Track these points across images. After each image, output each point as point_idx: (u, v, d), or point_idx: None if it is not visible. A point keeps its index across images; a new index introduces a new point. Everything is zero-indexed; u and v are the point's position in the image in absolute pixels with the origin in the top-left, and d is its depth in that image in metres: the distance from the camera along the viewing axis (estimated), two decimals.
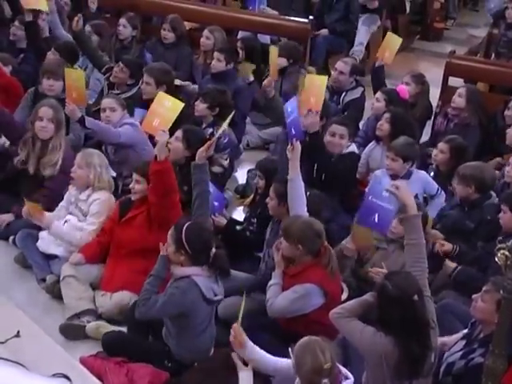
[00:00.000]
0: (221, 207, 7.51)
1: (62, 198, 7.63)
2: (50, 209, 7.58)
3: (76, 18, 9.56)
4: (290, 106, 6.99)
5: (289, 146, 6.65)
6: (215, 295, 5.97)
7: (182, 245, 5.89)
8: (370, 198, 5.87)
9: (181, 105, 6.97)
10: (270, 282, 6.17)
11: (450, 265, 6.84)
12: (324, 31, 11.50)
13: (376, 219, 5.82)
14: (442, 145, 8.06)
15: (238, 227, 7.68)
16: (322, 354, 4.93)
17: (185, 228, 5.92)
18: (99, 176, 7.32)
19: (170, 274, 6.05)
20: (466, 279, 6.79)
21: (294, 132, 6.81)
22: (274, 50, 9.02)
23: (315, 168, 7.94)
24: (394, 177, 7.43)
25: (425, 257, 5.70)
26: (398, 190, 5.62)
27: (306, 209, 6.59)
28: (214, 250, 5.99)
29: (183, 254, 5.92)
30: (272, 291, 6.13)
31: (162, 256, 6.06)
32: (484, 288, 5.60)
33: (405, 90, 9.07)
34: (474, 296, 5.72)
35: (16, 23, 9.96)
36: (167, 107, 6.92)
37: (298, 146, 6.60)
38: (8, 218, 7.79)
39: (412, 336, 5.36)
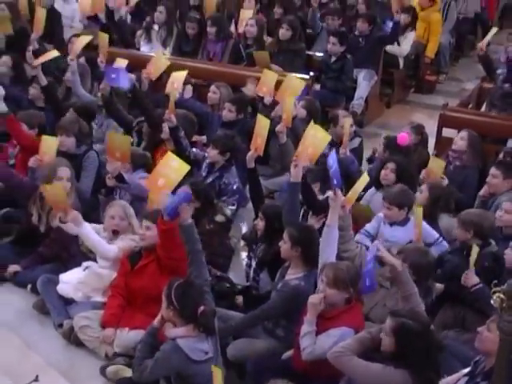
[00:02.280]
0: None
1: (69, 247, 7.67)
2: (60, 256, 7.71)
3: (102, 85, 9.52)
4: (332, 159, 6.96)
5: (332, 195, 6.62)
6: (206, 353, 5.91)
7: (171, 301, 5.90)
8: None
9: (187, 167, 6.66)
10: (304, 331, 6.00)
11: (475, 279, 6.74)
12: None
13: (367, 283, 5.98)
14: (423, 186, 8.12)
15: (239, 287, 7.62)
16: None
17: (175, 285, 5.93)
18: (136, 224, 7.41)
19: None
20: (482, 297, 6.66)
21: (335, 182, 6.77)
22: (290, 100, 8.92)
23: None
24: (391, 223, 7.51)
25: (420, 302, 5.99)
26: (381, 253, 5.89)
27: (335, 256, 6.52)
28: (201, 307, 5.92)
29: (172, 310, 5.93)
30: (308, 340, 5.97)
31: (151, 325, 6.11)
32: (490, 319, 5.52)
33: (405, 137, 9.02)
34: (479, 329, 5.59)
35: (34, 85, 9.93)
36: (173, 168, 6.63)
37: (340, 195, 6.60)
38: (15, 268, 7.76)
39: (428, 364, 5.41)
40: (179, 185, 6.88)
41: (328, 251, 6.51)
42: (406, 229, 7.55)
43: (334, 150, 7.46)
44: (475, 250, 6.69)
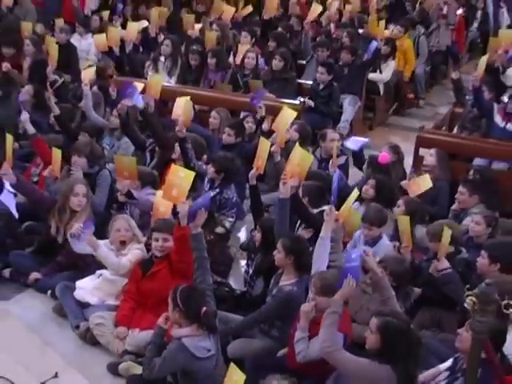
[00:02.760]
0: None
1: (85, 257, 7.62)
2: (76, 265, 7.72)
3: (119, 106, 9.56)
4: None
5: (328, 210, 6.68)
6: (209, 351, 5.91)
7: (177, 303, 5.92)
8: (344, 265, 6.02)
9: (192, 174, 6.85)
10: (298, 336, 6.00)
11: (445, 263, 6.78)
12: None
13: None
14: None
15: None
16: None
17: (180, 290, 5.97)
18: (139, 234, 7.49)
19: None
20: (450, 281, 6.76)
21: (333, 199, 6.87)
22: (284, 125, 8.98)
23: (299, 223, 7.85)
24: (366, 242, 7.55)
25: (396, 305, 6.13)
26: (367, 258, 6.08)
27: (326, 265, 6.53)
28: (204, 309, 5.95)
29: (177, 312, 5.94)
30: (302, 345, 5.97)
31: (158, 325, 6.11)
32: (468, 321, 5.49)
33: (386, 156, 9.07)
34: (459, 330, 5.59)
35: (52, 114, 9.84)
36: (182, 177, 6.78)
37: (334, 210, 6.70)
38: (36, 275, 7.76)
39: (409, 360, 5.38)
40: None
41: (320, 261, 6.56)
42: (377, 248, 7.49)
43: (337, 172, 7.45)
44: (447, 232, 6.78)
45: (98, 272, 7.40)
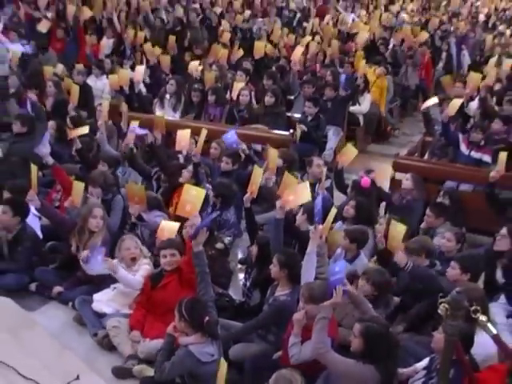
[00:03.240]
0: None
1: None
2: (93, 280, 7.73)
3: (124, 144, 9.77)
4: (318, 201, 6.99)
5: (313, 229, 6.80)
6: (212, 355, 5.98)
7: (183, 315, 6.02)
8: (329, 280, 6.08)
9: (204, 192, 7.13)
10: (292, 342, 6.03)
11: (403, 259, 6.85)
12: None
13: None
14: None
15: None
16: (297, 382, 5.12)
17: (184, 302, 6.07)
18: (145, 250, 7.63)
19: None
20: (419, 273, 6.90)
21: (317, 219, 6.98)
22: (273, 152, 9.19)
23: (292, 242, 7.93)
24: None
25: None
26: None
27: (313, 277, 6.60)
28: (207, 318, 6.05)
29: (183, 322, 6.03)
30: (295, 349, 5.99)
31: (168, 333, 6.19)
32: (441, 324, 5.53)
33: (367, 181, 9.11)
34: (434, 332, 5.68)
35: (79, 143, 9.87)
36: (194, 195, 7.02)
37: (320, 229, 6.80)
38: (59, 289, 7.80)
39: (391, 359, 5.48)
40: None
41: (308, 274, 6.63)
42: (354, 264, 7.50)
43: (320, 195, 7.50)
44: (395, 227, 6.95)
45: (113, 286, 7.45)
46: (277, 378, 5.20)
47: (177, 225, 7.38)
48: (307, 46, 16.02)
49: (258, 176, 7.89)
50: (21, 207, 8.09)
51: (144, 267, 7.39)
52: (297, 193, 7.41)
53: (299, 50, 14.68)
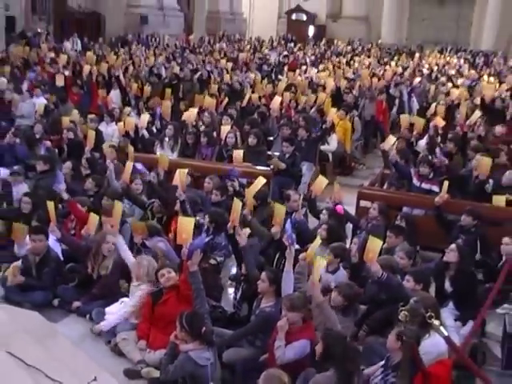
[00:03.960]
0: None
1: (113, 289, 7.77)
2: (106, 295, 7.76)
3: (121, 181, 9.87)
4: (288, 226, 7.20)
5: (288, 250, 6.89)
6: (208, 359, 6.03)
7: (183, 325, 6.07)
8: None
9: (193, 220, 7.27)
10: (277, 345, 6.10)
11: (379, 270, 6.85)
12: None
13: None
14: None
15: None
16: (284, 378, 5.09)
17: (184, 315, 6.13)
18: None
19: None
20: (390, 282, 6.88)
21: (290, 241, 6.94)
22: (251, 192, 9.15)
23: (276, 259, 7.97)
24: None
25: (336, 320, 6.45)
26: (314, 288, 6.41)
27: (292, 290, 6.67)
28: (203, 328, 6.10)
29: (183, 332, 6.08)
30: (280, 351, 6.06)
31: (171, 341, 6.22)
32: (394, 329, 5.65)
33: (341, 208, 9.35)
34: (389, 336, 5.73)
35: (88, 181, 10.04)
36: (186, 224, 7.08)
37: (293, 250, 6.87)
38: (78, 304, 7.81)
39: (347, 362, 5.46)
40: None
41: (287, 287, 6.69)
42: (335, 275, 7.64)
43: (289, 221, 7.54)
44: (373, 242, 6.89)
45: (121, 299, 7.47)
46: (266, 377, 5.18)
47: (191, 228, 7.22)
48: (283, 95, 16.15)
49: (237, 207, 7.95)
50: (47, 234, 8.15)
51: (145, 289, 7.39)
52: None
53: (277, 99, 14.82)
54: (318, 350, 5.68)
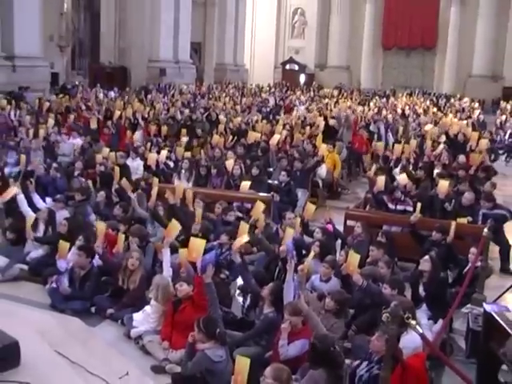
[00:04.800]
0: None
1: (140, 299, 7.69)
2: (135, 304, 7.70)
3: (150, 204, 9.94)
4: (290, 245, 7.22)
5: (288, 264, 6.83)
6: (221, 357, 6.02)
7: (200, 328, 6.05)
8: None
9: (203, 242, 7.29)
10: (281, 344, 6.12)
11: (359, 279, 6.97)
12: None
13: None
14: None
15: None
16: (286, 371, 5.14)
17: (201, 319, 6.12)
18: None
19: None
20: (371, 290, 7.00)
21: (291, 255, 6.93)
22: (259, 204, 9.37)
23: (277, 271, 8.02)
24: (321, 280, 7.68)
25: (322, 327, 6.32)
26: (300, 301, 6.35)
27: (292, 297, 6.65)
28: (218, 330, 6.10)
29: (201, 333, 6.06)
30: (283, 349, 6.09)
31: (189, 342, 6.20)
32: (377, 334, 5.60)
33: (330, 227, 9.40)
34: (372, 338, 5.72)
35: (117, 207, 10.08)
36: (197, 245, 7.20)
37: (293, 264, 6.80)
38: (111, 311, 7.75)
39: (331, 362, 5.48)
40: None
41: (288, 295, 6.65)
42: (329, 284, 7.67)
43: (290, 240, 7.59)
44: (351, 256, 7.07)
45: (143, 309, 7.42)
46: (274, 369, 5.17)
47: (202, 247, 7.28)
48: (280, 133, 16.23)
49: (244, 229, 8.01)
50: (91, 252, 8.17)
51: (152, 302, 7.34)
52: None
53: (276, 137, 14.75)
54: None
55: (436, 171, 12.84)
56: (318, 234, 8.98)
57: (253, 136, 15.45)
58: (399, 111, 25.08)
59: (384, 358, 5.19)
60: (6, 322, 5.85)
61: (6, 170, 12.52)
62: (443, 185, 10.65)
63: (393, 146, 16.09)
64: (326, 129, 17.75)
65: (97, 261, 8.38)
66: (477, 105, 31.75)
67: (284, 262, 7.72)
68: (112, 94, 27.37)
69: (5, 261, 8.78)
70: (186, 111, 20.40)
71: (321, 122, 18.12)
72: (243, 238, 7.65)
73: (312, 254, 7.60)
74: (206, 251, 8.56)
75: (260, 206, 9.41)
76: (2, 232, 9.20)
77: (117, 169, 11.67)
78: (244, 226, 8.04)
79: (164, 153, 13.39)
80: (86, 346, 6.58)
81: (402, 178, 11.42)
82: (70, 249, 8.40)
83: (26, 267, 8.91)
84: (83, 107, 20.64)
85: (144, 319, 7.29)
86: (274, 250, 8.32)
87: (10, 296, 8.07)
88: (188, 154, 13.84)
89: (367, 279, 7.11)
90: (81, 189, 10.97)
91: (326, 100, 29.82)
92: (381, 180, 10.98)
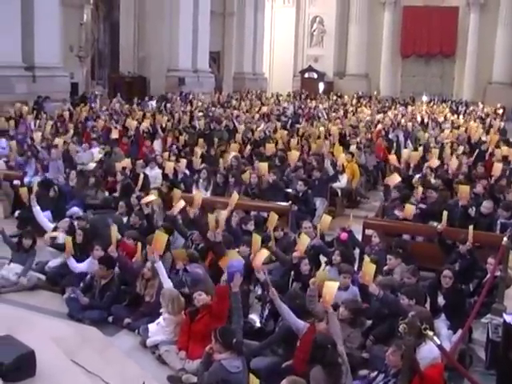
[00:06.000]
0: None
1: (156, 309, 7.60)
2: (152, 313, 7.67)
3: (170, 213, 9.96)
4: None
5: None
6: (238, 367, 5.97)
7: (217, 338, 6.03)
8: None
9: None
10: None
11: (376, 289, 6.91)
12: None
13: None
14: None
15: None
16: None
17: (218, 330, 6.09)
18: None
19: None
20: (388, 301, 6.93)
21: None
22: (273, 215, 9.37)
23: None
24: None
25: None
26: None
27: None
28: (234, 340, 6.06)
29: (217, 343, 6.04)
30: None
31: (206, 352, 6.21)
32: (391, 349, 5.60)
33: (345, 235, 9.25)
34: (387, 352, 5.69)
35: (133, 216, 10.11)
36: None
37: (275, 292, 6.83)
38: (128, 321, 7.75)
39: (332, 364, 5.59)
40: None
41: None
42: (347, 292, 7.60)
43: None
44: (367, 265, 7.04)
45: (157, 321, 7.41)
46: (287, 381, 5.16)
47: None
48: (299, 142, 16.23)
49: (257, 241, 7.98)
50: (111, 263, 8.20)
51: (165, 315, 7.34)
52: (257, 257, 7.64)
53: (295, 154, 14.28)
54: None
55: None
56: (338, 244, 8.92)
57: (270, 148, 15.38)
58: (418, 119, 24.96)
59: (401, 369, 5.17)
60: (22, 331, 5.92)
61: (26, 180, 12.62)
62: (464, 190, 10.50)
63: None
64: (343, 137, 17.74)
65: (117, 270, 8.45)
66: (501, 111, 31.60)
67: (297, 268, 7.81)
68: (153, 103, 27.36)
69: (21, 268, 8.87)
70: (203, 120, 20.49)
71: (335, 132, 18.08)
72: (263, 255, 7.59)
73: (323, 265, 7.63)
74: None
75: (274, 218, 9.39)
76: (18, 239, 9.24)
77: (141, 176, 11.76)
78: (257, 239, 8.02)
79: (184, 162, 13.45)
80: (103, 356, 6.60)
81: (419, 191, 11.27)
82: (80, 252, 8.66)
83: (43, 276, 8.98)
84: (102, 117, 20.79)
85: (159, 331, 7.29)
86: (290, 260, 8.26)
87: (28, 305, 8.14)
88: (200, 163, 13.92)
89: (385, 289, 7.08)
90: (105, 199, 11.12)
91: (347, 108, 29.81)
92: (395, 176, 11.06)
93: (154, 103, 27.23)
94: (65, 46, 27.68)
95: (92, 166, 14.48)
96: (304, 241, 8.11)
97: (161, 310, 7.38)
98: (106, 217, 10.38)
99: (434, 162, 13.84)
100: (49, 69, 23.58)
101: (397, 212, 10.59)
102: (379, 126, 20.02)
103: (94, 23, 34.90)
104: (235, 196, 10.23)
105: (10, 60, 21.90)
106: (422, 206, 10.73)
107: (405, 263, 8.22)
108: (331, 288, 6.54)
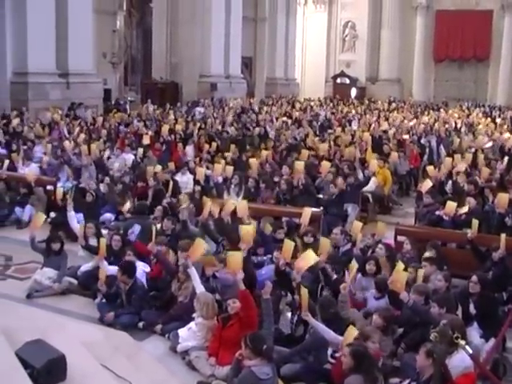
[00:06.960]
0: None
1: (188, 312, 7.59)
2: (182, 317, 7.69)
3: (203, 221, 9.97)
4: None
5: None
6: (268, 374, 5.93)
7: (247, 344, 6.01)
8: None
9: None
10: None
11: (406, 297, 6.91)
12: None
13: None
14: None
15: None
16: None
17: (248, 336, 6.08)
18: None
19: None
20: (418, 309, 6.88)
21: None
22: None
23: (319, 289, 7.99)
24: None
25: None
26: None
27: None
28: (264, 346, 6.02)
29: (248, 349, 6.01)
30: None
31: (236, 358, 6.24)
32: (421, 349, 5.52)
33: (391, 242, 9.42)
34: (417, 356, 5.60)
35: (166, 220, 10.11)
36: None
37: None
38: (159, 326, 7.78)
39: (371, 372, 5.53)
40: None
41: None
42: (380, 302, 7.60)
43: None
44: (399, 273, 7.03)
45: (188, 325, 7.42)
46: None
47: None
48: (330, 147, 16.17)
49: (289, 247, 7.94)
50: (130, 269, 8.23)
51: (198, 320, 7.34)
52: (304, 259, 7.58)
53: (327, 165, 13.81)
54: (346, 365, 5.67)
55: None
56: (382, 251, 8.76)
57: (305, 154, 15.31)
58: (452, 125, 24.68)
59: (433, 378, 5.11)
60: (53, 336, 5.96)
61: (59, 185, 12.78)
62: (502, 197, 10.27)
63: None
64: (376, 142, 17.62)
65: (141, 275, 8.48)
66: None
67: (324, 272, 7.86)
68: (202, 109, 27.33)
69: (55, 273, 8.98)
70: (234, 126, 20.54)
71: (367, 138, 17.96)
72: (309, 262, 7.55)
73: (353, 272, 7.56)
74: (255, 265, 8.61)
75: (308, 213, 9.45)
76: (46, 245, 9.33)
77: (171, 182, 11.81)
78: (289, 244, 7.98)
79: (218, 167, 13.49)
80: (133, 361, 6.63)
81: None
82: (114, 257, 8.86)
83: (75, 281, 9.07)
84: (135, 122, 20.97)
85: (190, 336, 7.31)
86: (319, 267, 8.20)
87: (59, 309, 8.25)
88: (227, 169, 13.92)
89: (421, 296, 7.03)
90: (139, 205, 11.28)
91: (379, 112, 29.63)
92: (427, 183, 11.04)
93: (202, 110, 27.25)
94: (98, 53, 28.07)
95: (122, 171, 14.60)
96: (325, 246, 8.11)
97: (193, 315, 7.40)
98: (133, 222, 10.46)
99: (461, 167, 13.66)
100: (82, 75, 23.89)
101: (438, 212, 10.53)
102: (406, 137, 19.75)
103: (127, 29, 35.33)
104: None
105: (45, 67, 22.30)
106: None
107: (437, 267, 8.17)
108: (402, 276, 6.92)
